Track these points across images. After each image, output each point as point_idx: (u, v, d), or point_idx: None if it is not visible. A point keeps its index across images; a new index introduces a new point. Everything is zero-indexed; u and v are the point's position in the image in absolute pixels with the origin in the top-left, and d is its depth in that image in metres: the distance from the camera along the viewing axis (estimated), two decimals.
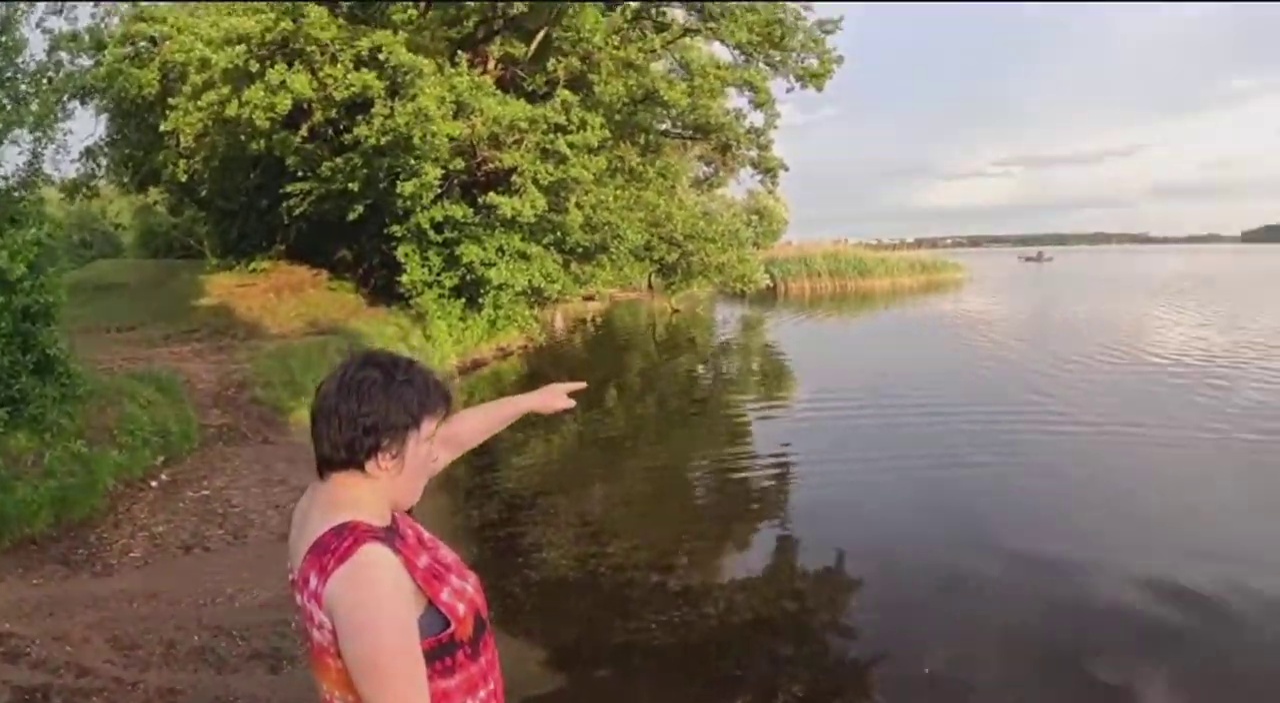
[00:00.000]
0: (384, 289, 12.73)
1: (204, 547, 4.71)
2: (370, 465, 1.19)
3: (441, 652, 1.18)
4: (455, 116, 10.38)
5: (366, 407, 1.19)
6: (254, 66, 10.60)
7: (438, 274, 11.66)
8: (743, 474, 7.12)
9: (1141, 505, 6.05)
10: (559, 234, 12.64)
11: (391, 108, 10.35)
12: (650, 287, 22.87)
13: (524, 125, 10.83)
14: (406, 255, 11.68)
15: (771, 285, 24.85)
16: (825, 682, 3.73)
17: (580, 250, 13.50)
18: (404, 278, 11.75)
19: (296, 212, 12.15)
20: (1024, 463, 7.26)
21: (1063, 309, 23.35)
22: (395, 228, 11.60)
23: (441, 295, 11.73)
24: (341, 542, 1.13)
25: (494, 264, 11.56)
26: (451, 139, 10.32)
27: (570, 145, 11.19)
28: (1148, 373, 11.44)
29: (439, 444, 1.31)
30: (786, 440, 8.24)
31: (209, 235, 15.66)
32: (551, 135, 11.15)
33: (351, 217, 11.64)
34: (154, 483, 5.60)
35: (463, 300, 12.08)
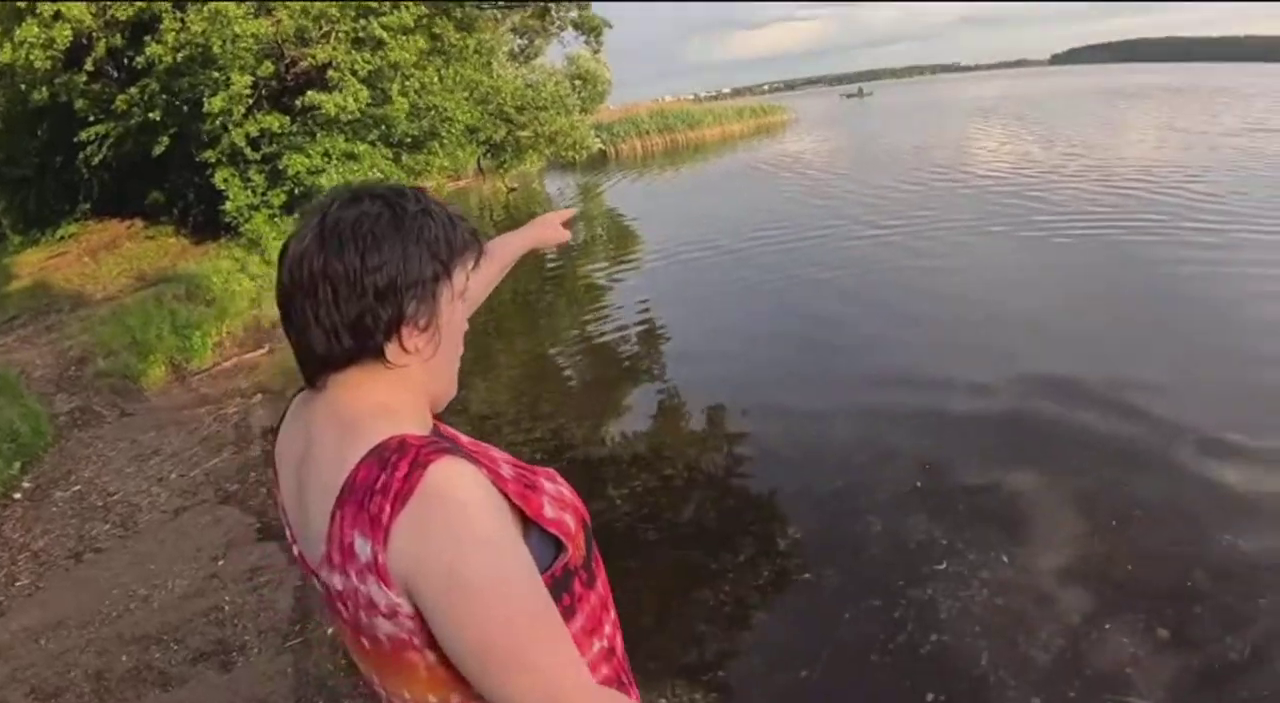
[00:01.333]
0: (208, 224, 11.53)
1: (94, 549, 4.23)
2: (392, 348, 0.81)
3: (558, 588, 0.82)
4: (257, 15, 9.18)
5: (375, 257, 0.78)
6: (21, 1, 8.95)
7: (264, 194, 10.61)
8: (610, 338, 7.34)
9: (981, 306, 6.69)
10: (384, 127, 11.73)
11: (182, 19, 9.06)
12: (480, 170, 21.96)
13: (334, 13, 9.69)
14: (226, 180, 10.52)
15: (603, 150, 24.54)
16: (729, 524, 3.90)
17: (409, 141, 12.67)
18: (228, 206, 10.62)
19: (95, 160, 10.64)
20: (865, 276, 8.10)
21: (891, 139, 24.40)
22: (208, 154, 10.37)
23: (272, 216, 10.73)
24: (393, 473, 0.74)
25: (323, 170, 10.60)
26: (256, 40, 9.16)
27: (384, 27, 10.19)
28: (982, 187, 12.27)
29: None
30: (642, 297, 8.54)
31: (4, 212, 13.67)
32: (363, 20, 10.10)
33: (158, 151, 10.31)
34: (17, 495, 4.95)
35: (295, 216, 11.12)
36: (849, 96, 72.03)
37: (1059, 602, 2.94)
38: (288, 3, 9.35)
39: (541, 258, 13.29)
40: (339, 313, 0.78)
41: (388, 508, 0.73)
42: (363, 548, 0.75)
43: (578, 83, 22.35)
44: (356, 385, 0.82)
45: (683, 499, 4.18)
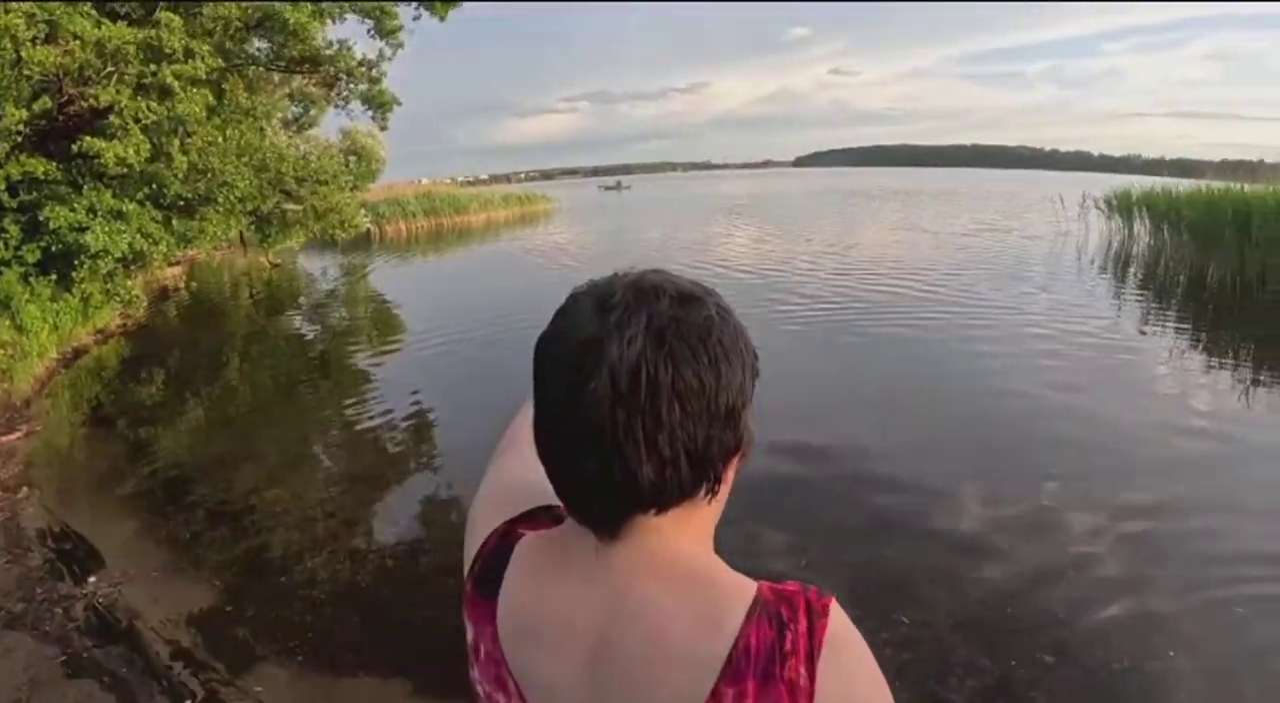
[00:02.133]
0: None
1: None
2: (709, 487, 0.68)
3: None
4: (46, 40, 7.94)
5: (726, 372, 0.66)
6: None
7: (18, 248, 9.03)
8: (375, 423, 7.23)
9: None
10: (154, 186, 10.51)
11: None
12: (242, 242, 20.28)
13: (130, 51, 8.64)
14: None
15: (368, 229, 23.79)
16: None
17: (182, 203, 11.43)
18: None
19: None
20: None
21: (651, 232, 26.11)
22: None
23: (26, 273, 9.13)
24: (796, 629, 0.65)
25: (88, 228, 9.26)
26: (41, 68, 7.92)
27: (175, 75, 9.28)
28: (733, 279, 13.68)
29: None
30: (404, 380, 8.62)
31: None
32: (154, 65, 9.12)
33: None
34: None
35: (53, 277, 9.55)
36: (608, 189, 75.09)
37: None
38: (82, 35, 8.15)
39: (303, 339, 12.75)
40: (685, 437, 0.64)
41: (802, 671, 0.64)
42: None
43: (352, 158, 21.56)
44: (680, 528, 0.69)
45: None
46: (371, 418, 7.33)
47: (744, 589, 0.67)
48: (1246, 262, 12.60)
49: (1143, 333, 9.63)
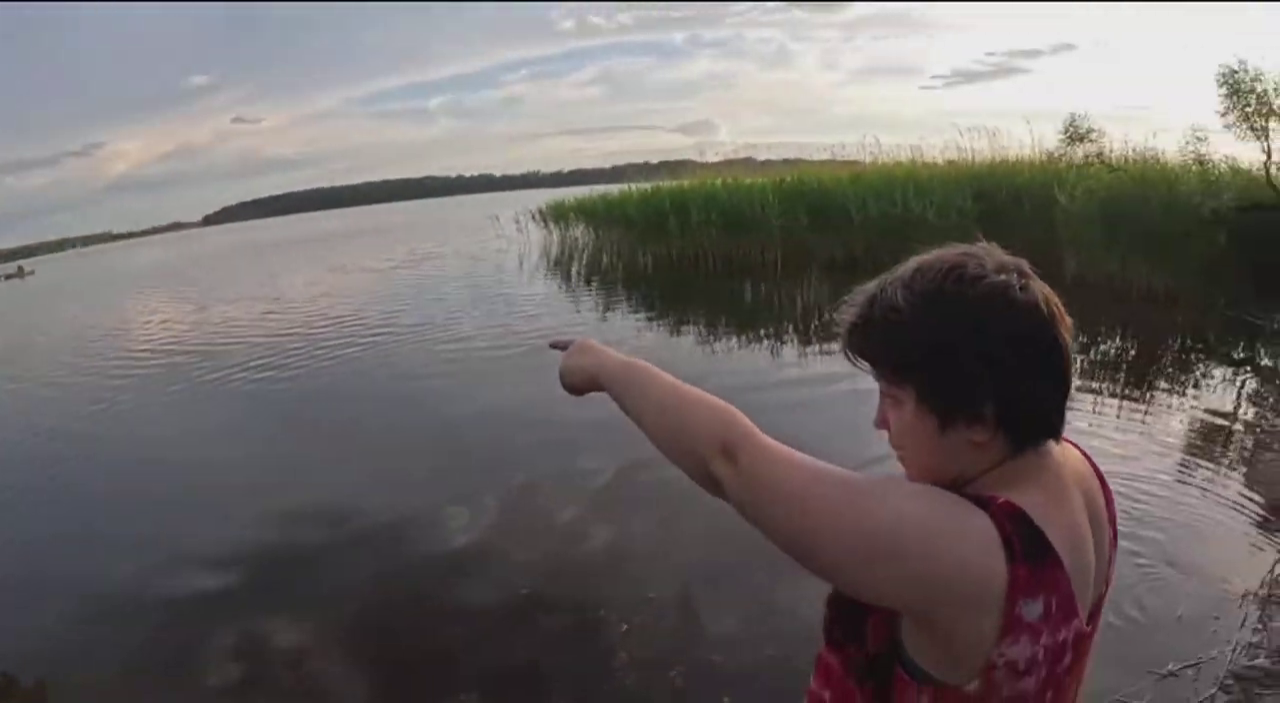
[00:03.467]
0: None
1: None
2: None
3: None
4: None
5: None
6: None
7: None
8: None
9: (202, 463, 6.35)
10: None
11: None
12: None
13: None
14: None
15: None
16: None
17: None
18: None
19: None
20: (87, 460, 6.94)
21: (78, 320, 20.47)
22: None
23: None
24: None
25: None
26: None
27: None
28: (165, 352, 11.32)
29: None
30: None
31: None
32: None
33: None
34: None
35: None
36: (8, 277, 58.59)
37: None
38: None
39: None
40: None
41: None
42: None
43: None
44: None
45: None
46: None
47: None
48: (684, 243, 14.80)
49: (599, 317, 10.66)
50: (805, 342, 9.10)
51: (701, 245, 14.66)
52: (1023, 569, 0.76)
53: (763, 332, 9.86)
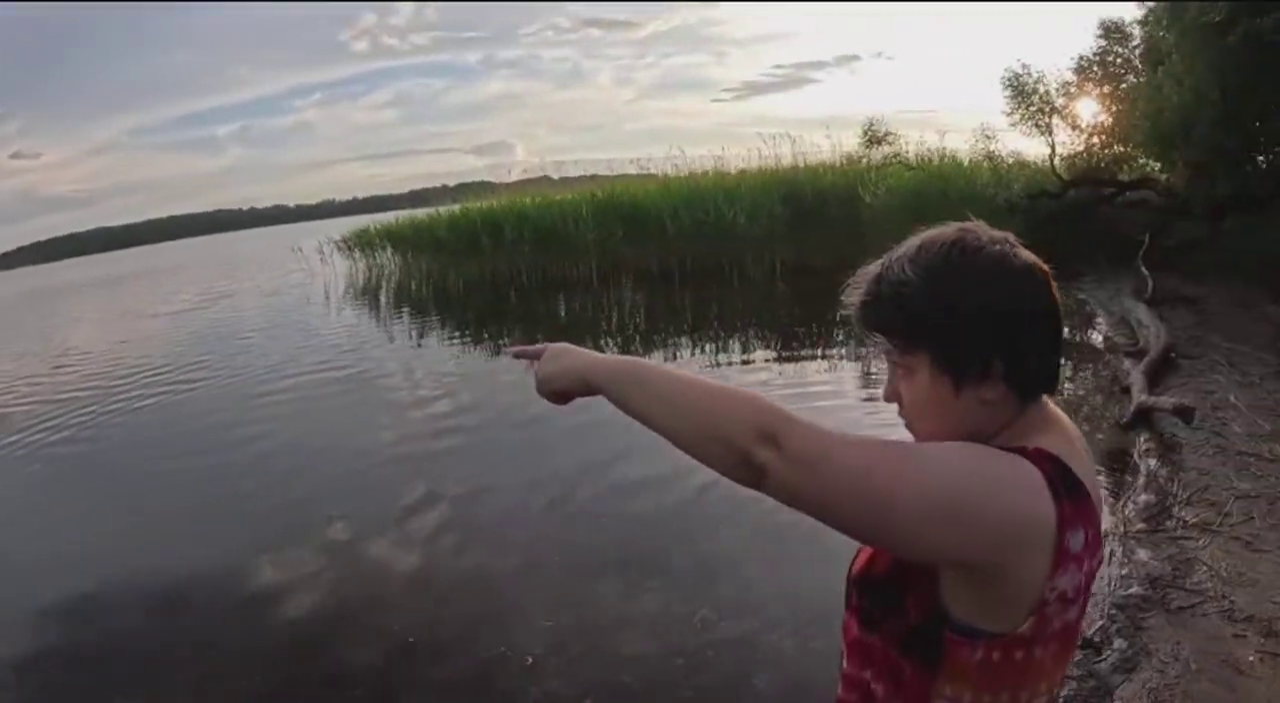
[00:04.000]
0: None
1: None
2: None
3: None
4: None
5: None
6: None
7: None
8: None
9: None
10: None
11: None
12: None
13: None
14: None
15: None
16: None
17: None
18: None
19: None
20: None
21: None
22: None
23: None
24: None
25: None
26: None
27: None
28: None
29: None
30: None
31: None
32: None
33: None
34: None
35: None
36: None
37: None
38: None
39: None
40: None
41: None
42: None
43: None
44: None
45: None
46: None
47: None
48: (497, 260, 14.23)
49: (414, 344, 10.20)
50: (625, 350, 8.69)
51: (516, 264, 14.04)
52: (1067, 506, 0.85)
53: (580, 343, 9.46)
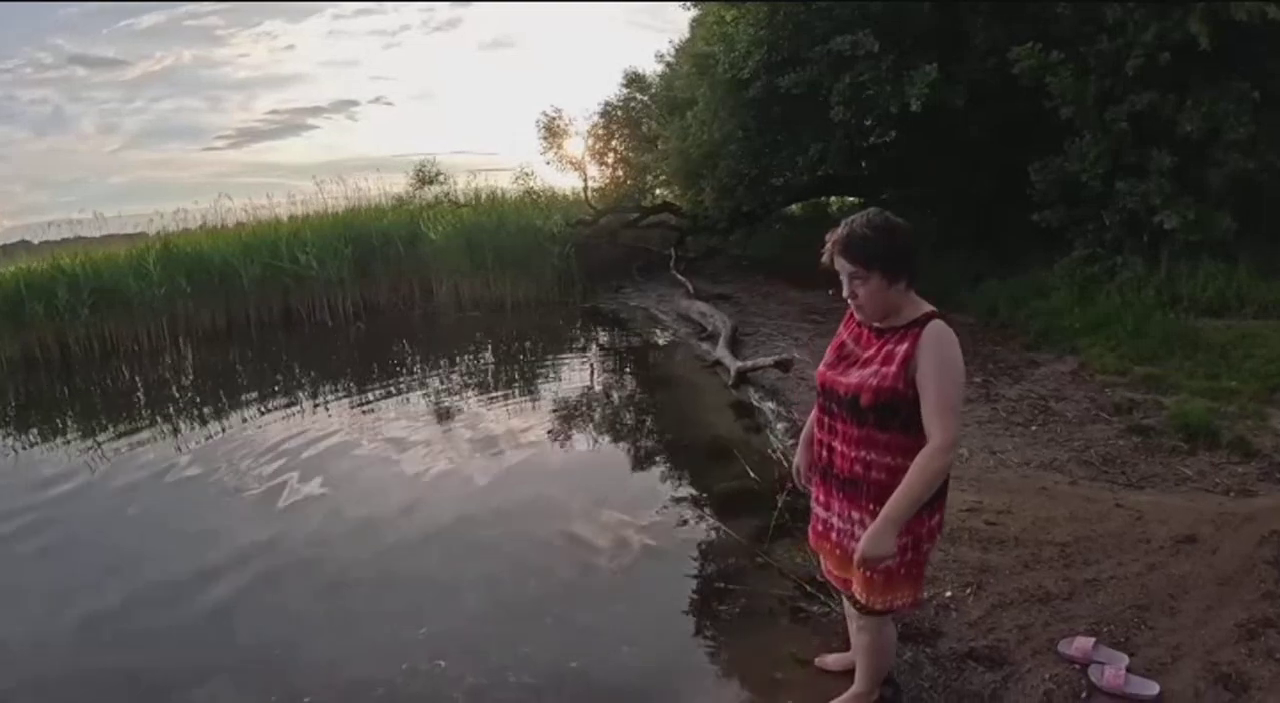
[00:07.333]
0: None
1: None
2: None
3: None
4: None
5: None
6: None
7: None
8: None
9: None
10: None
11: None
12: None
13: None
14: None
15: None
16: None
17: None
18: None
19: None
20: None
21: None
22: None
23: None
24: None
25: None
26: None
27: None
28: None
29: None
30: None
31: None
32: None
33: None
34: None
35: None
36: None
37: None
38: None
39: None
40: None
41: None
42: None
43: None
44: None
45: None
46: None
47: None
48: (64, 326, 12.15)
49: None
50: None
51: (75, 332, 12.27)
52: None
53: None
